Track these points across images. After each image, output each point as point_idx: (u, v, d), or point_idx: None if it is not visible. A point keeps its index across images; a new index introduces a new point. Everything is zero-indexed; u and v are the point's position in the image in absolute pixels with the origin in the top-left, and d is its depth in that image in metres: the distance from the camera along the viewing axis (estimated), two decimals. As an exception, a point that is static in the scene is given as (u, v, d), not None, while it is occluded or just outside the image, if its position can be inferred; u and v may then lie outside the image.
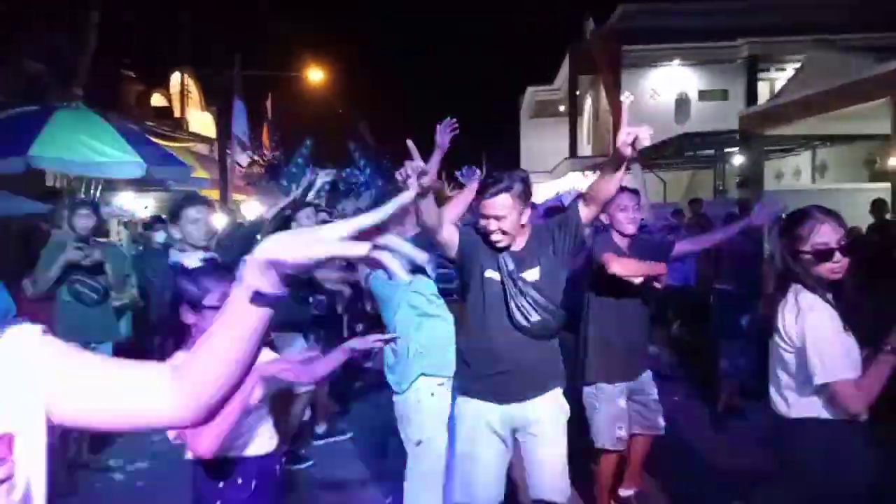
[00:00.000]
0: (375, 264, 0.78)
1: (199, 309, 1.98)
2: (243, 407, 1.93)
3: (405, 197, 0.85)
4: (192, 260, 2.10)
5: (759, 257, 5.39)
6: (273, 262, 0.79)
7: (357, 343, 2.39)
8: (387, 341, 2.52)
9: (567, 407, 2.77)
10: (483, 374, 2.64)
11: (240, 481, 2.06)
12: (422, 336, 2.93)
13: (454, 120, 3.15)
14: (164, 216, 7.95)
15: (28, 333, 0.88)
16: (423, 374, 2.91)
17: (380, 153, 23.43)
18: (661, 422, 3.56)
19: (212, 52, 11.08)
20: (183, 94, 16.90)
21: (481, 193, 2.64)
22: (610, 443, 3.37)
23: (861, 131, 11.68)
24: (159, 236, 6.38)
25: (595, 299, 3.43)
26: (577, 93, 23.91)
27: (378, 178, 9.26)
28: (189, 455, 2.02)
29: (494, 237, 2.57)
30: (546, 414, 2.66)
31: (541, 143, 27.60)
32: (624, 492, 3.65)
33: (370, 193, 9.04)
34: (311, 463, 4.47)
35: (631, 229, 3.38)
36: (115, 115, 8.38)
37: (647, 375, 3.55)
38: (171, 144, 12.19)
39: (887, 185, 9.14)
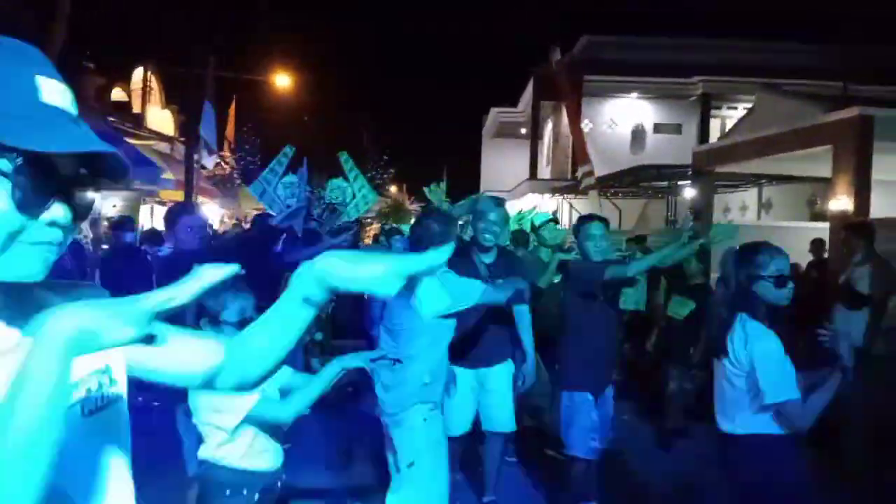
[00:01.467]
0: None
1: (218, 323, 2.10)
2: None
3: None
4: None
5: (705, 289, 5.75)
6: (328, 282, 0.92)
7: (349, 361, 2.44)
8: (376, 360, 2.61)
9: None
10: None
11: (245, 492, 2.17)
12: (433, 365, 3.01)
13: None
14: (131, 216, 7.90)
15: (101, 293, 1.05)
16: (420, 402, 3.00)
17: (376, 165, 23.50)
18: (611, 433, 3.85)
19: (183, 50, 11.00)
20: (145, 89, 16.64)
21: None
22: (583, 452, 3.63)
23: (805, 173, 12.41)
24: (127, 237, 6.32)
25: (576, 314, 3.70)
26: (539, 117, 24.49)
27: (370, 191, 9.08)
28: (205, 453, 2.15)
29: None
30: None
31: (501, 163, 28.11)
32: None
33: (361, 202, 8.89)
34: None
35: (598, 257, 3.64)
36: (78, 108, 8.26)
37: (610, 391, 3.81)
38: (132, 141, 12.02)
39: (826, 224, 9.74)
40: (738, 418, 2.42)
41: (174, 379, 1.08)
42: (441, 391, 3.06)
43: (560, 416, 3.75)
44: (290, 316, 0.98)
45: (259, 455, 2.20)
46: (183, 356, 1.05)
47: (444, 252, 0.87)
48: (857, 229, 5.09)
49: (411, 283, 0.88)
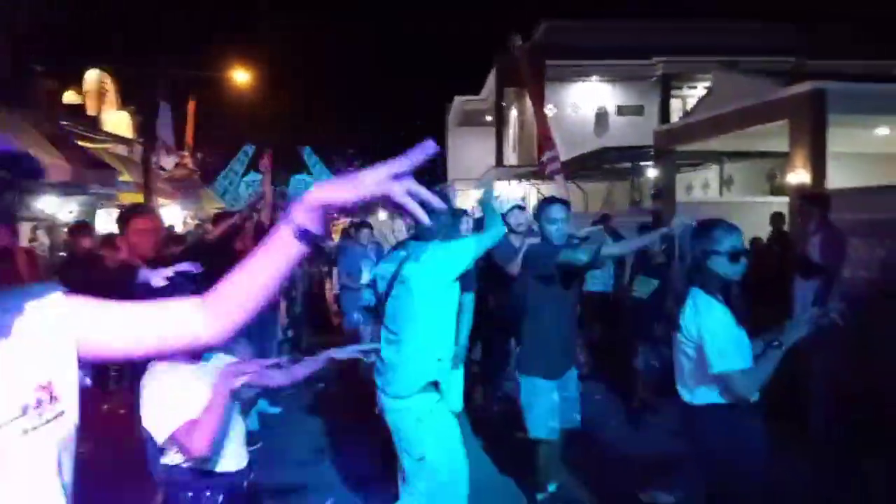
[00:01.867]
0: (400, 207, 0.93)
1: None
2: (225, 407, 2.03)
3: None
4: (158, 279, 2.16)
5: (669, 268, 5.84)
6: (322, 203, 0.95)
7: (341, 353, 2.51)
8: (366, 352, 2.65)
9: None
10: None
11: (208, 493, 2.13)
12: (437, 345, 3.04)
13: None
14: (88, 221, 7.70)
15: (52, 293, 1.04)
16: (423, 392, 3.00)
17: (342, 158, 23.25)
18: (578, 417, 3.86)
19: (133, 49, 10.76)
20: (99, 92, 16.20)
21: None
22: (545, 433, 3.65)
23: (763, 148, 12.64)
24: (86, 242, 6.17)
25: (534, 298, 3.69)
26: (503, 104, 24.50)
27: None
28: (165, 459, 2.11)
29: None
30: None
31: (468, 151, 28.08)
32: (549, 488, 3.89)
33: None
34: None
35: (559, 241, 3.65)
36: (28, 113, 8.01)
37: (573, 373, 3.84)
38: (88, 145, 11.70)
39: (786, 199, 9.93)
40: (697, 389, 2.46)
41: (157, 346, 1.08)
42: (446, 373, 3.06)
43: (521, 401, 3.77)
44: (282, 253, 0.99)
45: (222, 456, 2.16)
46: (158, 323, 1.06)
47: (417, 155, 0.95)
48: (811, 199, 5.20)
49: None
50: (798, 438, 4.53)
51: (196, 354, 2.15)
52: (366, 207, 0.96)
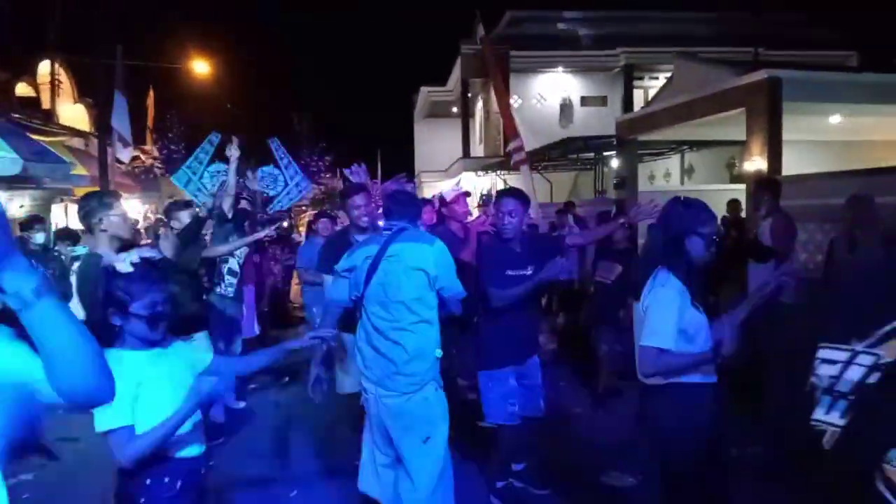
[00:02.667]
0: None
1: (126, 314, 2.03)
2: (178, 424, 2.02)
3: None
4: (125, 264, 2.12)
5: (632, 254, 5.93)
6: None
7: (296, 343, 2.53)
8: (321, 338, 2.67)
9: None
10: None
11: (166, 480, 2.10)
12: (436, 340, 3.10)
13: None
14: (41, 215, 7.48)
15: None
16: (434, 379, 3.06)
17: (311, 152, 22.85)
18: (542, 404, 3.88)
19: (88, 40, 10.46)
20: (53, 83, 15.73)
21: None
22: (503, 418, 3.67)
23: (722, 137, 12.91)
24: (38, 237, 6.02)
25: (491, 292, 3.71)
26: (469, 95, 24.52)
27: (303, 179, 8.93)
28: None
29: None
30: None
31: (435, 142, 28.05)
32: (515, 467, 3.95)
33: (294, 192, 8.72)
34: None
35: (509, 234, 3.66)
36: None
37: (534, 361, 3.86)
38: (42, 138, 11.37)
39: (744, 186, 10.17)
40: None
41: None
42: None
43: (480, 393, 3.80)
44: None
45: (177, 443, 2.14)
46: None
47: None
48: (762, 184, 5.32)
49: None
50: (752, 415, 4.65)
51: (152, 341, 2.12)
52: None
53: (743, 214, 9.30)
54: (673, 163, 17.87)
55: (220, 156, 7.90)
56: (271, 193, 7.86)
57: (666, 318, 2.38)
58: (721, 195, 10.90)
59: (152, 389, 2.05)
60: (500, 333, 3.66)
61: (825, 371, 2.62)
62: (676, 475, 2.51)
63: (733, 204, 9.48)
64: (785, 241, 4.90)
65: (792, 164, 9.92)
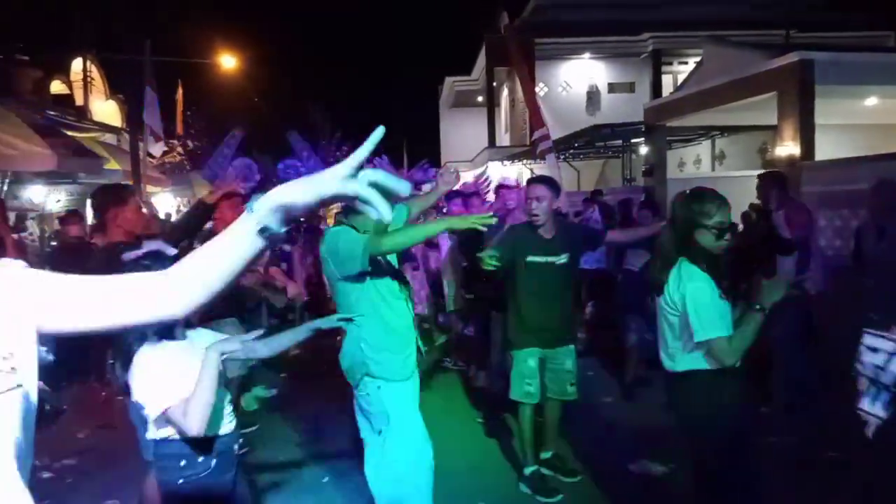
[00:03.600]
0: (365, 201, 0.93)
1: None
2: (213, 382, 2.07)
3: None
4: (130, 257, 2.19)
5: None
6: (285, 205, 0.94)
7: (322, 323, 2.61)
8: (348, 320, 2.74)
9: None
10: None
11: (200, 459, 2.17)
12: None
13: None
14: (77, 210, 7.67)
15: (11, 267, 1.02)
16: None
17: (330, 142, 22.97)
18: (570, 389, 3.92)
19: (118, 37, 10.65)
20: (85, 80, 16.05)
21: None
22: (519, 395, 3.80)
23: (753, 122, 12.65)
24: (74, 230, 6.18)
25: (516, 277, 3.78)
26: (494, 84, 24.38)
27: (323, 167, 9.06)
28: (152, 435, 2.15)
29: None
30: None
31: (461, 132, 28.00)
32: (543, 454, 3.99)
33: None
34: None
35: (541, 220, 3.70)
36: (11, 104, 7.92)
37: (567, 349, 3.90)
38: (76, 135, 11.62)
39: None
40: (678, 357, 2.50)
41: (120, 319, 1.05)
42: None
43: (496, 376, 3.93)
44: (241, 246, 0.98)
45: (211, 420, 2.19)
46: (121, 296, 1.04)
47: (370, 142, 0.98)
48: (766, 180, 5.21)
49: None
50: (775, 402, 4.61)
51: (179, 333, 2.18)
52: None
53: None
54: (703, 149, 17.57)
55: (242, 150, 8.02)
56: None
57: (713, 306, 2.39)
58: (753, 182, 10.70)
59: (178, 385, 2.09)
60: (525, 316, 3.77)
61: (869, 359, 2.60)
62: (707, 463, 2.50)
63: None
64: (802, 230, 4.78)
65: (826, 149, 9.70)
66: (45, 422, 5.05)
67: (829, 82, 9.06)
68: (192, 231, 4.01)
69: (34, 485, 1.00)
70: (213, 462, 2.18)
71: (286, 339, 2.58)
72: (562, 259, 3.71)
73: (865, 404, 2.55)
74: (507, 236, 3.90)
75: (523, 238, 3.75)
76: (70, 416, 4.92)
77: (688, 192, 2.62)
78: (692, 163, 18.30)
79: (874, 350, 2.61)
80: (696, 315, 2.38)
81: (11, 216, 9.30)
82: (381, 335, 2.94)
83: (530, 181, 3.90)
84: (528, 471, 3.84)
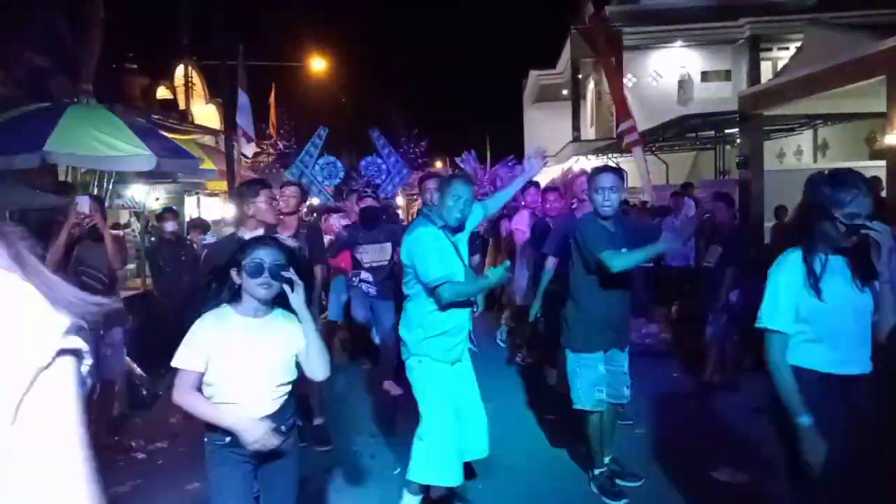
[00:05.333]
0: None
1: (239, 271, 2.32)
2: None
3: None
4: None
5: (744, 237, 5.59)
6: None
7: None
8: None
9: None
10: None
11: (218, 431, 2.33)
12: None
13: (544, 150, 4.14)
14: (174, 207, 8.17)
15: None
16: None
17: (409, 139, 23.38)
18: (626, 391, 3.77)
19: (214, 43, 11.20)
20: (187, 86, 17.03)
21: None
22: (591, 405, 3.64)
23: (860, 109, 11.74)
24: (170, 226, 6.58)
25: (581, 278, 3.65)
26: (580, 76, 23.89)
27: (404, 166, 9.28)
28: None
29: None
30: None
31: (544, 127, 27.60)
32: (608, 457, 3.86)
33: (397, 180, 9.07)
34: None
35: (608, 211, 3.53)
36: (122, 109, 8.51)
37: (624, 349, 3.77)
38: (178, 137, 12.34)
39: (884, 162, 9.23)
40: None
41: None
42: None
43: (565, 374, 3.78)
44: None
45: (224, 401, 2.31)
46: None
47: None
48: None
49: None
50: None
51: (257, 309, 2.35)
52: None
53: (883, 194, 8.46)
54: (805, 139, 16.50)
55: (328, 149, 8.25)
56: (376, 182, 8.10)
57: (778, 297, 2.29)
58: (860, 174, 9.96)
59: (224, 355, 2.26)
60: (591, 316, 3.61)
61: None
62: (799, 472, 2.29)
63: (870, 183, 8.64)
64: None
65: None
66: (141, 407, 5.42)
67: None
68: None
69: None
70: (229, 438, 2.30)
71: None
72: None
73: None
74: (572, 233, 3.76)
75: (590, 232, 3.54)
76: (164, 401, 5.23)
77: (823, 172, 2.35)
78: (793, 154, 17.25)
79: None
80: (763, 302, 2.32)
81: (124, 214, 10.04)
82: (433, 320, 3.27)
83: (597, 170, 3.69)
84: (597, 472, 3.75)
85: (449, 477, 3.25)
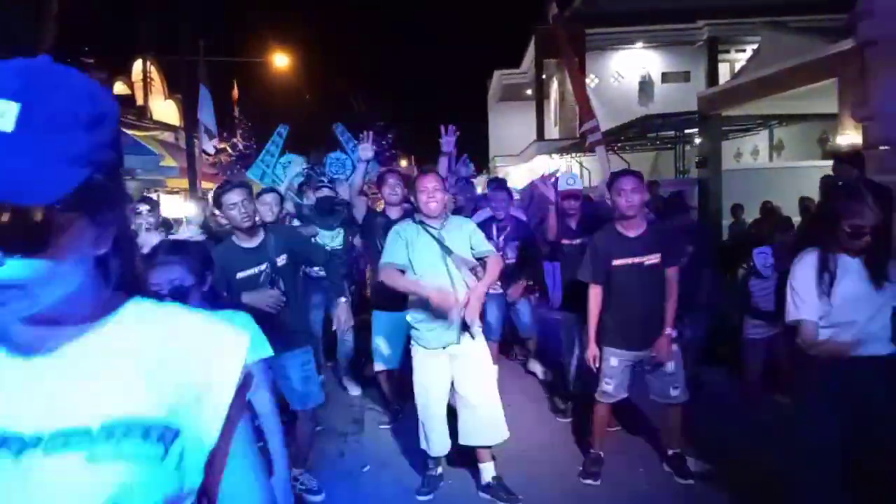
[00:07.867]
0: None
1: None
2: None
3: None
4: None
5: (713, 235, 5.68)
6: None
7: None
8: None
9: None
10: None
11: None
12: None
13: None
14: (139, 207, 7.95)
15: None
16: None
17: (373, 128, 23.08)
18: (673, 392, 3.79)
19: (175, 39, 10.98)
20: (146, 81, 16.66)
21: None
22: (596, 394, 3.88)
23: (813, 110, 12.12)
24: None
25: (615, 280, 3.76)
26: (544, 76, 24.10)
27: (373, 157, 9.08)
28: None
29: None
30: None
31: (509, 126, 27.79)
32: (670, 451, 3.97)
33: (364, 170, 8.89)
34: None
35: (631, 212, 3.63)
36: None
37: (645, 349, 3.78)
38: (136, 133, 12.08)
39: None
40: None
41: None
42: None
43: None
44: None
45: None
46: None
47: None
48: (845, 160, 4.94)
49: None
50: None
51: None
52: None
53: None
54: (761, 139, 16.94)
55: (289, 147, 8.11)
56: (342, 178, 7.98)
57: (799, 291, 2.62)
58: (812, 172, 10.27)
59: None
60: (612, 314, 3.78)
61: None
62: (814, 458, 2.57)
63: (824, 181, 8.93)
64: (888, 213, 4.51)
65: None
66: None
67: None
68: None
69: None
70: None
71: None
72: (651, 259, 3.68)
73: None
74: (595, 247, 3.83)
75: (607, 243, 3.76)
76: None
77: (840, 184, 2.83)
78: (749, 153, 17.71)
79: None
80: (791, 295, 2.64)
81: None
82: (415, 309, 3.62)
83: (617, 174, 3.74)
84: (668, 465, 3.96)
85: (429, 446, 3.72)
